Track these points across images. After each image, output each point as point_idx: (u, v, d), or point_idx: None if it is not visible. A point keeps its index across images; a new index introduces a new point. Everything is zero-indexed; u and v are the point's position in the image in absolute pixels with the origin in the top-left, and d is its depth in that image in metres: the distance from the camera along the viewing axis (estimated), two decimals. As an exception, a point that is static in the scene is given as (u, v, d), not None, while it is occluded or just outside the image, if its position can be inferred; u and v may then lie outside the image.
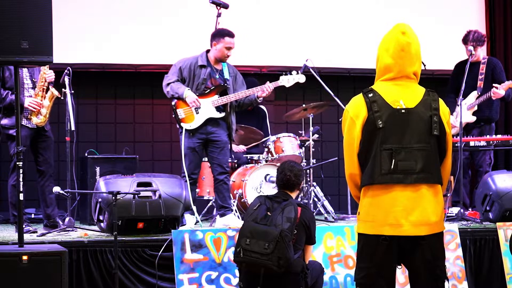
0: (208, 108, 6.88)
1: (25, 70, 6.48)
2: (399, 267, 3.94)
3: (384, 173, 3.81)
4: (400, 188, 3.81)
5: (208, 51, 6.98)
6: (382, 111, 3.83)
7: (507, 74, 9.02)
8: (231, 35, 6.93)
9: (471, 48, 7.72)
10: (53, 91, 6.51)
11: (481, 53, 7.99)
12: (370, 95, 3.87)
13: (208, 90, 6.88)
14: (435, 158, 3.88)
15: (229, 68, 7.04)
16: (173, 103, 6.90)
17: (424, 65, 4.00)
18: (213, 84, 6.92)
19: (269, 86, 6.95)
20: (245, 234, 5.27)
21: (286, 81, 7.13)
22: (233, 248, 6.03)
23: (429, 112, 3.86)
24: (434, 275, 3.87)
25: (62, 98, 6.60)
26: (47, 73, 6.50)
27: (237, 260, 5.33)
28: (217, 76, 6.94)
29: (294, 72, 7.17)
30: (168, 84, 6.88)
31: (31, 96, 6.49)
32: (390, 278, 3.90)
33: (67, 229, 6.38)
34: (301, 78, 7.18)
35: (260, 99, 7.02)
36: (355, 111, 3.88)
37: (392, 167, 3.80)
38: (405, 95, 3.88)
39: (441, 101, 3.94)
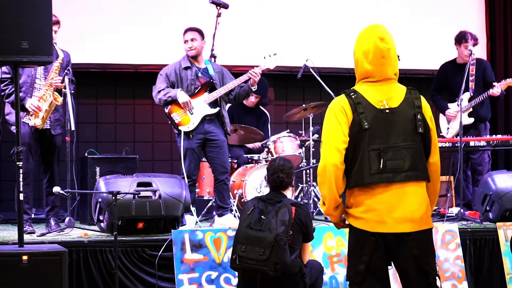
0: (201, 106, 6.91)
1: (40, 69, 6.48)
2: (390, 267, 3.94)
3: (373, 173, 3.83)
4: (385, 186, 3.83)
5: None
6: (367, 112, 3.85)
7: (507, 74, 9.02)
8: (189, 29, 7.01)
9: (471, 48, 7.70)
10: (55, 98, 6.46)
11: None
12: (353, 96, 3.88)
13: (197, 89, 6.93)
14: (421, 155, 3.91)
15: (213, 65, 7.10)
16: (166, 110, 6.92)
17: (399, 59, 3.99)
18: (201, 82, 6.96)
19: (254, 71, 6.94)
20: (240, 241, 5.21)
21: (269, 62, 7.09)
22: (233, 248, 6.04)
23: (412, 111, 3.89)
24: (422, 272, 3.86)
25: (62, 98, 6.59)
26: (54, 79, 6.49)
27: (233, 267, 5.30)
28: (200, 75, 6.97)
29: (276, 53, 7.13)
30: (159, 91, 6.92)
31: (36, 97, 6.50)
32: (383, 278, 3.91)
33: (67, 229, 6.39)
34: (282, 60, 7.16)
35: (253, 87, 7.01)
36: (340, 110, 3.86)
37: (381, 166, 3.82)
38: (387, 95, 3.90)
39: (422, 98, 3.97)
